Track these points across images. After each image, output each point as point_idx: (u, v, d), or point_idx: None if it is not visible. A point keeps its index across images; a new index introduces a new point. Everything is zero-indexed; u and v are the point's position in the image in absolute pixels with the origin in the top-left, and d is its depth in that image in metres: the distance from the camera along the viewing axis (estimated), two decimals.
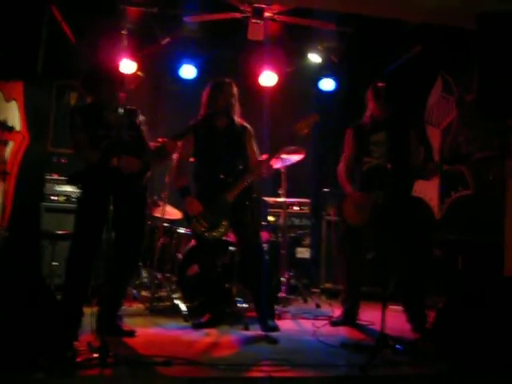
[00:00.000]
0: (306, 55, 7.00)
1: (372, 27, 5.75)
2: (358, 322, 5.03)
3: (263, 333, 4.48)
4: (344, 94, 7.46)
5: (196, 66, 7.04)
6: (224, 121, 4.68)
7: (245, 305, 5.08)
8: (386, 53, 5.80)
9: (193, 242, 5.40)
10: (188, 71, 7.05)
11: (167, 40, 6.44)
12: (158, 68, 7.08)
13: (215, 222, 4.56)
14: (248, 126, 4.73)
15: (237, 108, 4.70)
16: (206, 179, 4.66)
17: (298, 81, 7.51)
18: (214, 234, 4.56)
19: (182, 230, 5.72)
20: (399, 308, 4.90)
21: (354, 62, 6.98)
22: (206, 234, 4.57)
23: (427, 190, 6.48)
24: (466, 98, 5.88)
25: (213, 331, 4.54)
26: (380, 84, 4.79)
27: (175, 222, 5.94)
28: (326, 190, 6.92)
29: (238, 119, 4.71)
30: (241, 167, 4.64)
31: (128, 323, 4.57)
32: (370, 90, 4.89)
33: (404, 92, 5.57)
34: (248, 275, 4.76)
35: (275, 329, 4.51)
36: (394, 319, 4.47)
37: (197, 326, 4.64)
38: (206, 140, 4.67)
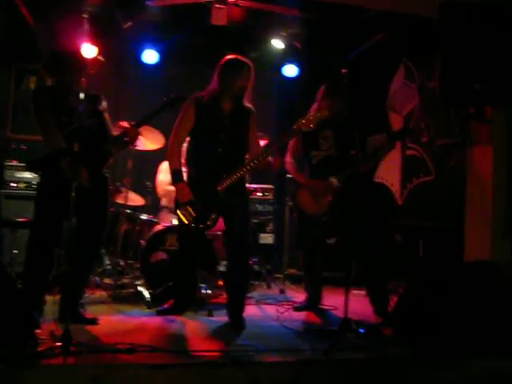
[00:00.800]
0: (270, 41, 6.98)
1: (335, 14, 5.75)
2: (321, 307, 5.08)
3: (228, 319, 4.48)
4: (307, 80, 7.47)
5: (158, 51, 6.95)
6: (231, 103, 4.41)
7: (208, 291, 5.08)
8: (349, 40, 5.82)
9: (156, 228, 5.37)
10: (150, 56, 6.96)
11: (129, 24, 6.33)
12: (120, 53, 6.96)
13: (204, 214, 4.34)
14: (253, 110, 4.49)
15: (248, 93, 4.44)
16: (202, 164, 4.42)
17: (261, 67, 7.46)
18: (201, 226, 4.36)
19: (144, 217, 5.68)
20: (362, 292, 4.98)
21: (317, 49, 6.97)
22: (193, 225, 4.37)
23: (389, 176, 6.54)
24: (428, 85, 5.94)
25: (176, 318, 4.53)
26: (343, 71, 4.82)
27: (138, 209, 5.90)
28: (289, 175, 6.92)
29: (245, 103, 4.45)
30: (240, 156, 4.43)
31: (90, 311, 4.52)
32: (323, 89, 4.92)
33: (367, 79, 5.61)
34: (231, 268, 4.57)
35: (242, 327, 4.34)
36: (356, 303, 4.55)
37: (161, 313, 4.61)
38: (209, 120, 4.38)
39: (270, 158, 4.47)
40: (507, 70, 4.08)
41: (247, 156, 4.48)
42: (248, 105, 4.48)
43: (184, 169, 4.52)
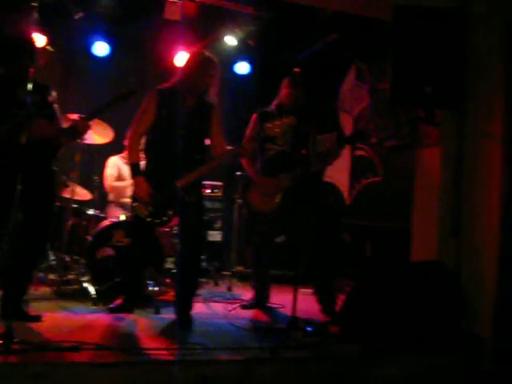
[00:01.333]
0: (223, 38, 6.94)
1: (290, 13, 5.77)
2: (268, 305, 5.09)
3: (175, 316, 4.43)
4: (258, 77, 7.47)
5: (109, 44, 6.84)
6: (194, 98, 4.33)
7: (156, 288, 5.03)
8: (302, 39, 5.83)
9: (103, 224, 5.28)
10: (101, 48, 6.84)
11: (80, 15, 6.20)
12: (70, 44, 6.82)
13: (161, 210, 4.27)
14: (217, 105, 4.42)
15: (213, 89, 4.39)
16: (161, 158, 4.32)
17: None
18: (157, 221, 4.29)
19: (91, 212, 5.57)
20: (309, 291, 5.00)
21: (270, 47, 6.98)
22: (149, 220, 4.28)
23: (338, 176, 6.60)
24: (379, 87, 6.02)
25: (123, 315, 4.45)
26: (296, 70, 4.84)
27: (85, 203, 5.78)
28: (238, 173, 6.91)
29: (209, 98, 4.38)
30: (201, 152, 4.36)
31: (34, 308, 4.40)
32: (287, 78, 4.92)
33: (318, 79, 5.64)
34: (181, 265, 4.45)
35: (190, 325, 4.28)
36: (304, 302, 4.56)
37: (112, 311, 4.50)
38: (170, 113, 4.26)
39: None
40: (456, 74, 4.16)
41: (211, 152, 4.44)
42: (211, 100, 4.40)
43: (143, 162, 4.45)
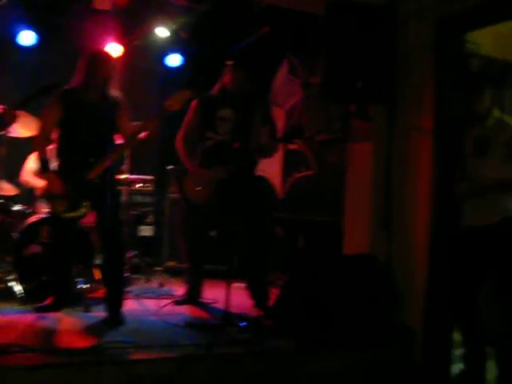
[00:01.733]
0: (154, 29, 6.82)
1: (223, 5, 5.71)
2: (201, 300, 5.03)
3: (108, 315, 4.32)
4: (190, 70, 7.38)
5: (36, 33, 6.60)
6: (97, 93, 4.29)
7: (86, 285, 4.90)
8: (235, 32, 5.81)
9: (30, 220, 5.10)
10: (27, 38, 6.59)
11: (4, 2, 5.95)
12: None
13: (76, 202, 4.18)
14: (120, 98, 4.39)
15: (113, 82, 4.36)
16: (70, 153, 4.27)
17: (145, 54, 7.31)
18: (74, 214, 4.20)
19: (17, 208, 5.37)
20: (243, 285, 4.98)
21: (202, 39, 6.90)
22: (66, 215, 4.19)
23: (270, 169, 6.59)
24: (311, 81, 6.05)
25: (51, 314, 4.31)
26: (229, 62, 4.81)
27: (11, 199, 5.56)
28: (169, 167, 6.81)
29: (111, 92, 4.35)
30: (108, 144, 4.30)
31: None
32: (228, 65, 4.85)
33: (251, 72, 5.61)
34: (105, 261, 4.42)
35: (121, 322, 4.21)
36: (238, 297, 4.52)
37: (39, 310, 4.35)
38: (74, 111, 4.25)
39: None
40: (387, 69, 4.22)
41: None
42: (115, 94, 4.38)
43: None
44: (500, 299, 3.81)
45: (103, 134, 4.30)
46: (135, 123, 4.36)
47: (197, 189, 4.75)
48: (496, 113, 3.88)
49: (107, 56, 4.41)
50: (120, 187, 6.23)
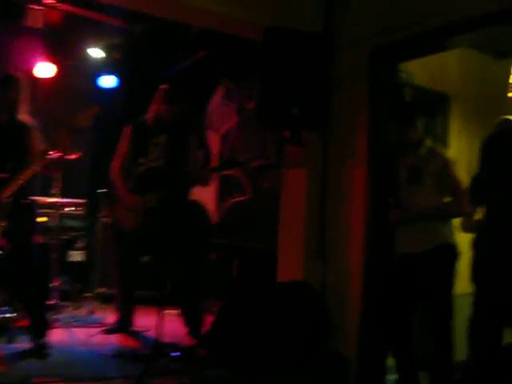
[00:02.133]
0: (88, 49, 6.70)
1: (160, 27, 5.65)
2: (133, 328, 4.89)
3: (33, 346, 4.13)
4: (125, 92, 7.28)
5: None
6: (4, 116, 4.17)
7: (11, 314, 4.68)
8: (172, 54, 5.75)
9: None
10: None
11: None
12: None
13: None
14: (30, 122, 4.26)
15: (23, 104, 4.24)
16: None
17: (78, 75, 7.17)
18: None
19: None
20: (176, 312, 4.87)
21: (138, 61, 6.82)
22: None
23: (205, 194, 6.53)
24: (247, 106, 6.05)
25: None
26: (163, 86, 4.77)
27: None
28: (101, 190, 6.65)
29: (20, 115, 4.23)
30: (16, 168, 4.09)
31: None
32: (161, 91, 4.81)
33: (187, 95, 5.57)
34: (17, 283, 4.23)
35: (46, 354, 4.04)
36: (171, 324, 4.42)
37: None
38: None
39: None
40: (323, 96, 4.24)
41: None
42: (23, 118, 4.25)
43: None
44: (432, 325, 3.86)
45: (7, 158, 4.13)
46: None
47: (127, 215, 4.66)
48: (428, 142, 3.96)
49: (15, 78, 4.27)
50: (49, 210, 6.08)
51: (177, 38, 5.82)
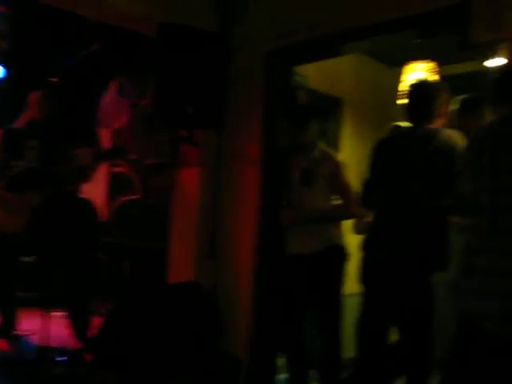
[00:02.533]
0: None
1: (51, 16, 5.40)
2: (15, 333, 4.67)
3: None
4: (14, 83, 6.93)
5: None
6: None
7: None
8: (65, 45, 5.51)
9: None
10: None
11: None
12: None
13: None
14: None
15: None
16: None
17: None
18: None
19: None
20: (62, 314, 4.70)
21: (28, 51, 6.50)
22: None
23: (94, 192, 6.35)
24: (141, 102, 5.94)
25: None
26: (53, 79, 4.61)
27: None
28: None
29: None
30: None
31: None
32: (40, 92, 4.68)
33: (78, 90, 5.40)
34: None
35: None
36: (57, 327, 4.27)
37: None
38: None
39: None
40: (217, 96, 4.23)
41: None
42: None
43: None
44: (322, 324, 3.93)
45: None
46: None
47: (9, 217, 4.46)
48: (321, 145, 4.04)
49: None
50: None
51: (69, 29, 5.61)
